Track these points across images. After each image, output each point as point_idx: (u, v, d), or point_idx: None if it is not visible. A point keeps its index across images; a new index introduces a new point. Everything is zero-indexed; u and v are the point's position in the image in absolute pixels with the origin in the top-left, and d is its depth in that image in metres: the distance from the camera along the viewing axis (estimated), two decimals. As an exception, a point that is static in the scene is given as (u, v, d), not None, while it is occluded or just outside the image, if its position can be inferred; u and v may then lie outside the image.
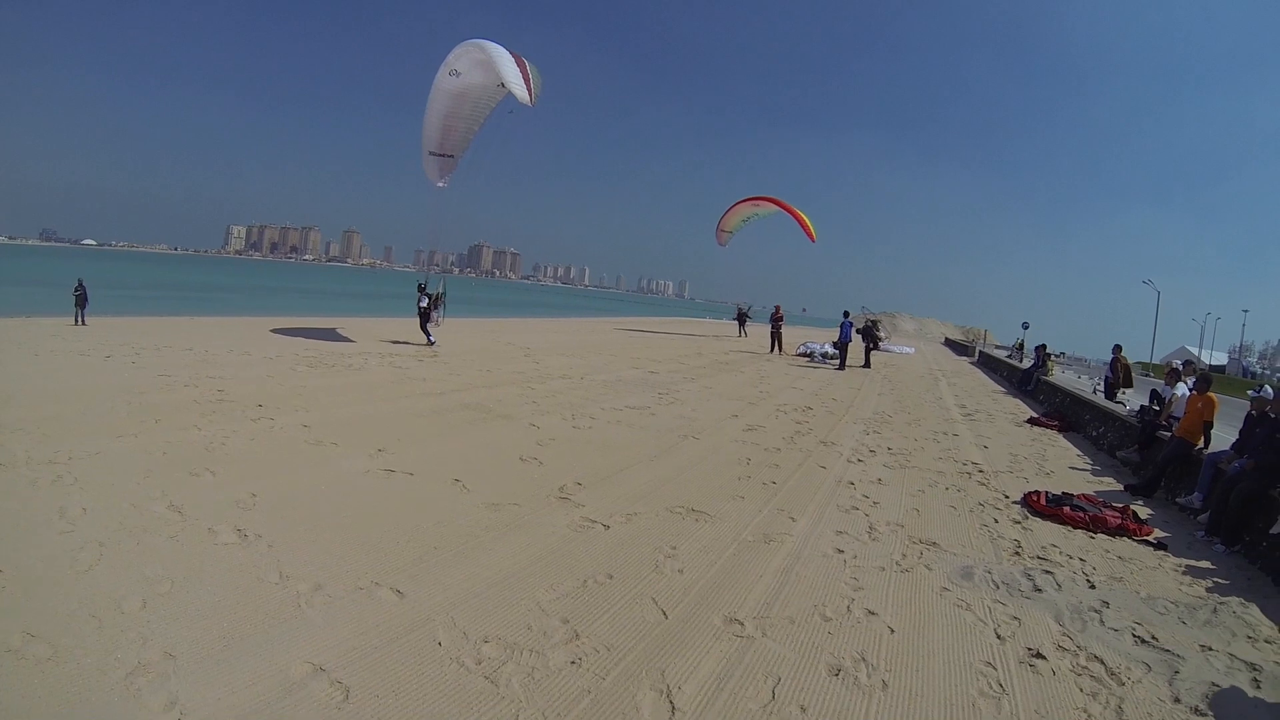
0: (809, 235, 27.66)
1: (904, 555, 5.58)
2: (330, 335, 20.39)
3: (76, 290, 19.51)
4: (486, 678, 3.41)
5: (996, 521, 6.80)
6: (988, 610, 4.64)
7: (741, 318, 35.38)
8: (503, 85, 14.65)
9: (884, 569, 5.21)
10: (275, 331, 20.30)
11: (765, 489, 7.22)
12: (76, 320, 19.29)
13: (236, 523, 5.19)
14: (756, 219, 29.66)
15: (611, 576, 4.75)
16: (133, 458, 6.65)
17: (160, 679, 3.22)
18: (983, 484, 8.28)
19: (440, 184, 17.31)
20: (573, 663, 3.57)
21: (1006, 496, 7.81)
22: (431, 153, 16.76)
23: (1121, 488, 8.82)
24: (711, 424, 10.73)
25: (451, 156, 16.91)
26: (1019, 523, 6.84)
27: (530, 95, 14.23)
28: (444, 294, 18.94)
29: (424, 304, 18.71)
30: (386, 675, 3.38)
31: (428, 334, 19.14)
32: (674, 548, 5.37)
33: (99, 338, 16.26)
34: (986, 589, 5.05)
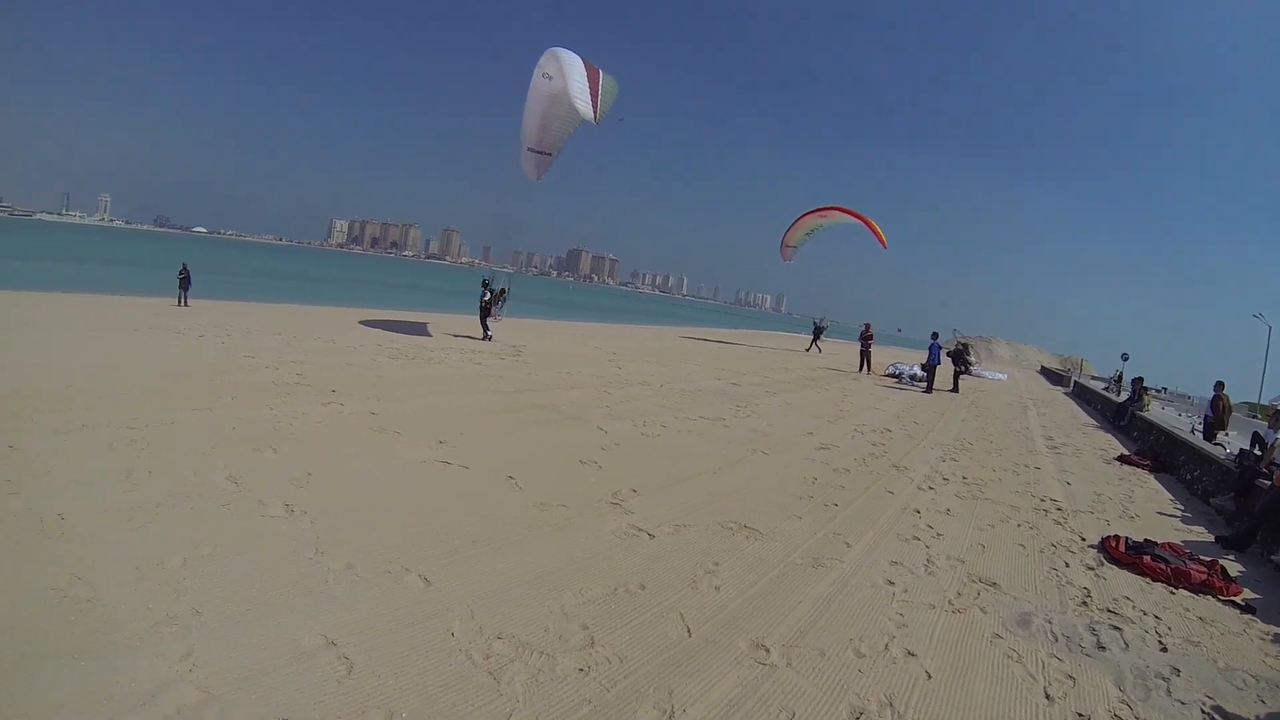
0: (880, 242, 28.09)
1: (959, 594, 5.48)
2: (417, 329, 21.81)
3: (180, 273, 22.17)
4: (490, 674, 3.61)
5: (1068, 566, 6.60)
6: (1041, 665, 4.47)
7: (817, 331, 35.98)
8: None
9: (934, 607, 5.14)
10: (363, 323, 21.98)
11: (825, 510, 7.29)
12: (179, 301, 21.87)
13: (287, 498, 5.74)
14: (823, 230, 30.39)
15: (644, 587, 4.88)
16: (204, 430, 7.44)
17: (182, 632, 3.65)
18: (1059, 523, 8.10)
19: (536, 178, 18.78)
20: (580, 670, 3.72)
21: (1083, 539, 7.56)
22: (530, 149, 18.15)
23: (1212, 539, 8.40)
24: (784, 440, 10.86)
25: (549, 154, 18.29)
26: (1092, 569, 6.61)
27: (595, 112, 15.32)
28: (506, 292, 21.00)
29: (486, 299, 20.63)
30: (393, 657, 3.65)
31: (485, 328, 20.71)
32: (716, 564, 5.45)
33: (197, 319, 18.20)
34: (1044, 640, 4.88)
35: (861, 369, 27.19)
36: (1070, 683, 4.32)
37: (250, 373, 11.08)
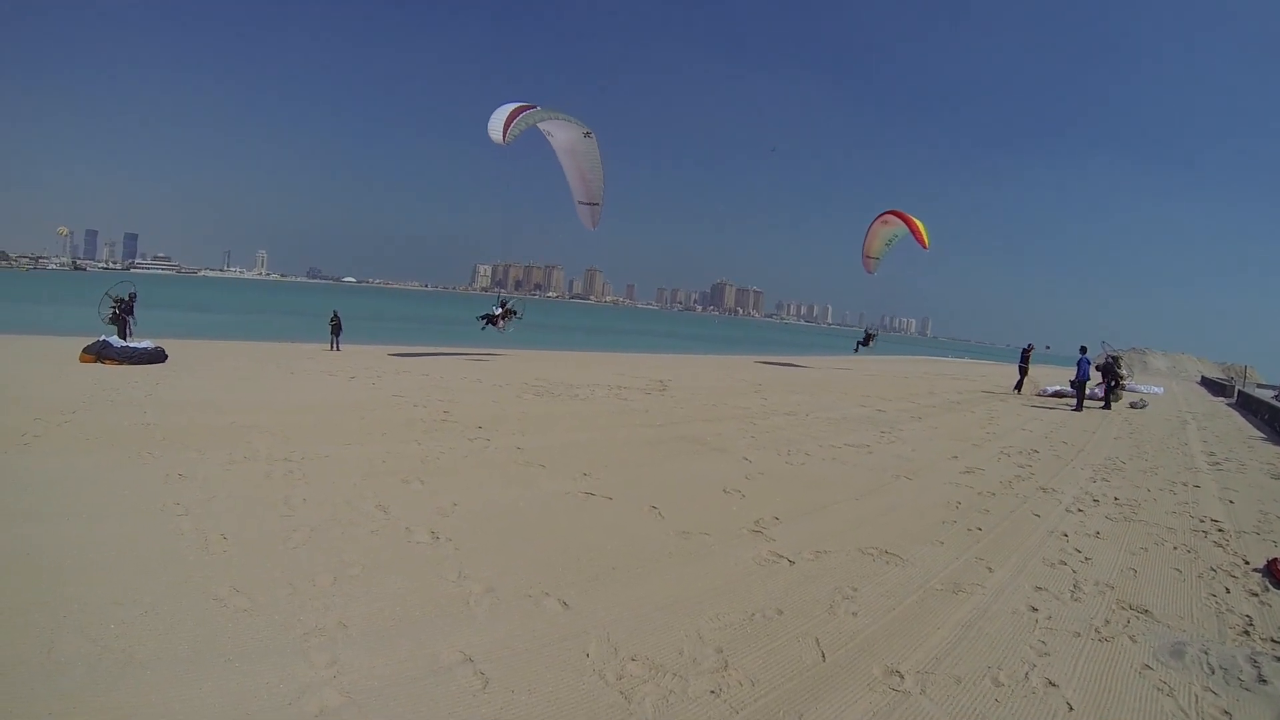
0: (921, 242, 28.64)
1: (1107, 621, 5.26)
2: (560, 366, 23.16)
3: (332, 320, 24.83)
4: (622, 693, 3.78)
5: (1229, 591, 6.12)
6: (1194, 699, 4.21)
7: (867, 338, 36.44)
8: (589, 134, 19.82)
9: (1079, 635, 4.97)
10: (509, 362, 23.62)
11: (968, 535, 7.27)
12: (332, 346, 24.36)
13: (433, 526, 6.24)
14: (898, 240, 30.89)
15: (781, 612, 5.00)
16: (355, 463, 8.21)
17: (329, 642, 4.06)
18: (1219, 545, 7.59)
19: (592, 228, 21.85)
20: (712, 692, 3.84)
21: (1247, 562, 6.98)
22: (580, 202, 21.18)
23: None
24: (928, 464, 10.85)
25: (596, 204, 21.24)
26: (1256, 595, 6.08)
27: (503, 135, 18.64)
28: (514, 310, 24.86)
29: (496, 311, 24.27)
30: (528, 675, 3.88)
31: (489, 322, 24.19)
32: (855, 589, 5.53)
33: (348, 362, 20.05)
34: (1199, 672, 4.53)
35: (1018, 389, 27.32)
36: (1226, 719, 4.01)
37: (399, 410, 12.10)
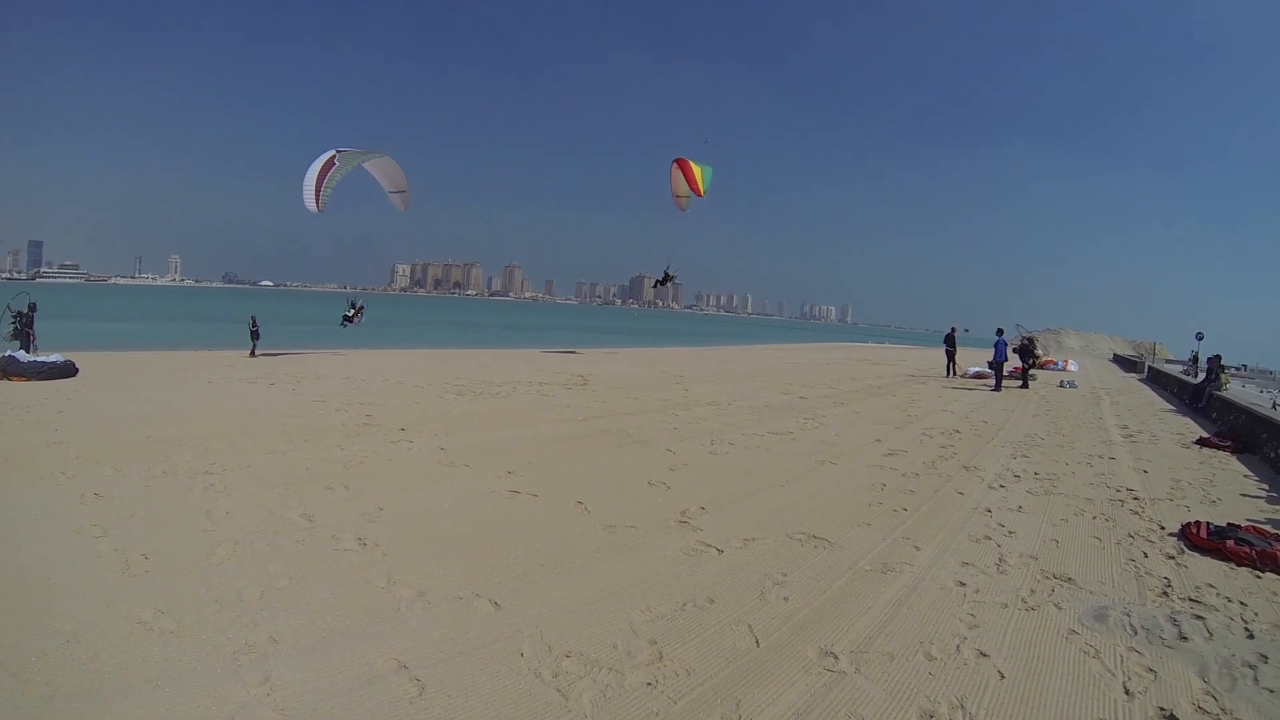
0: (695, 190, 27.15)
1: (1032, 591, 5.42)
2: (481, 365, 22.81)
3: (251, 326, 24.02)
4: (559, 690, 3.74)
5: (1146, 556, 6.44)
6: (1119, 659, 4.38)
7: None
8: (384, 155, 22.24)
9: (1007, 605, 5.12)
10: (429, 362, 23.16)
11: (894, 516, 7.36)
12: (251, 353, 23.33)
13: (359, 532, 6.05)
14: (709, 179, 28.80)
15: (713, 601, 5.01)
16: (278, 472, 7.89)
17: (260, 659, 3.89)
18: (1136, 513, 7.96)
19: (405, 210, 23.93)
20: (649, 684, 3.83)
21: (1162, 528, 7.37)
22: (391, 192, 23.30)
23: (1301, 517, 7.94)
24: (852, 449, 11.02)
25: (404, 191, 23.43)
26: (1173, 558, 6.43)
27: (317, 205, 20.48)
28: (363, 307, 26.17)
29: (349, 311, 25.43)
30: (463, 678, 3.81)
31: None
32: (785, 575, 5.57)
33: (267, 368, 19.26)
34: (1122, 634, 4.75)
35: (950, 374, 27.46)
36: (1151, 676, 4.20)
37: (321, 415, 11.71)
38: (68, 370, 15.71)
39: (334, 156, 20.42)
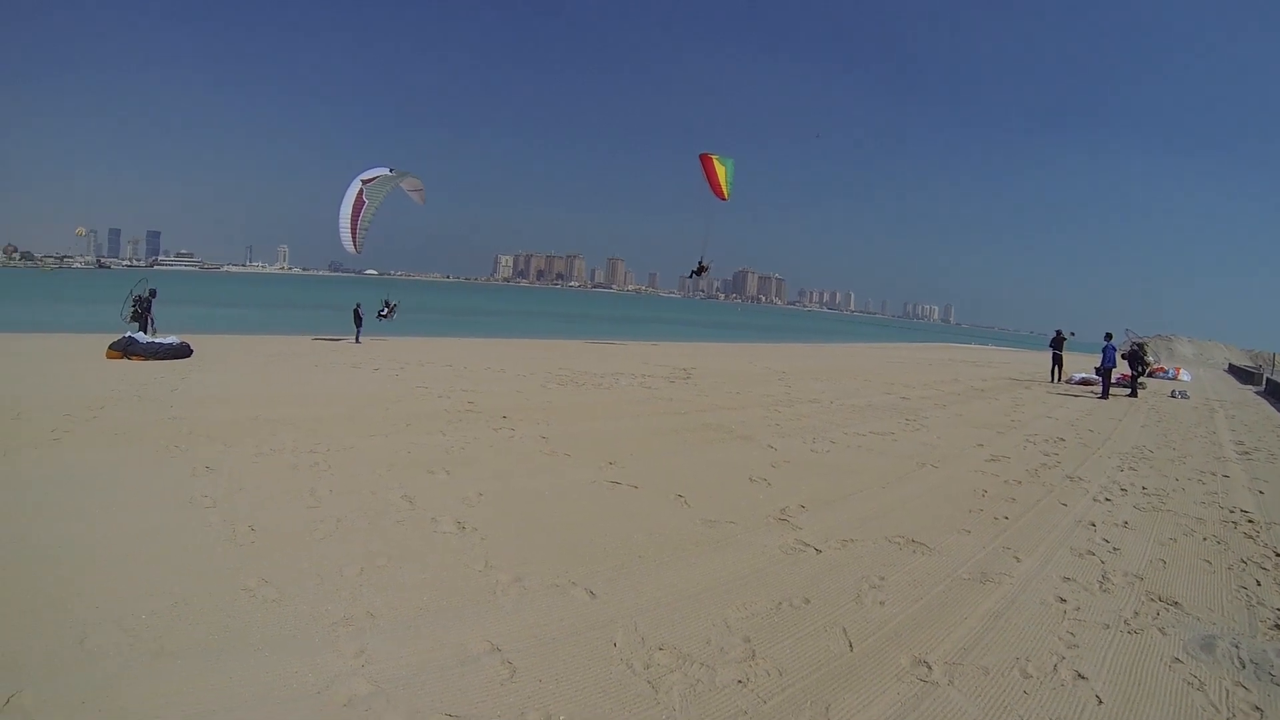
0: (718, 193, 27.02)
1: (1136, 613, 5.22)
2: (584, 356, 23.50)
3: (389, 309, 26.36)
4: (649, 683, 3.81)
5: (1259, 584, 6.02)
6: (1224, 694, 4.16)
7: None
8: (401, 173, 23.46)
9: (1108, 626, 4.96)
10: (532, 352, 23.90)
11: (995, 524, 7.28)
12: (355, 339, 24.80)
13: (459, 516, 6.32)
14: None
15: (808, 601, 5.04)
16: (381, 454, 8.32)
17: (358, 632, 4.13)
18: (1250, 537, 7.47)
19: (422, 203, 25.52)
20: (739, 681, 3.87)
21: (1277, 554, 6.89)
22: (411, 190, 24.54)
23: None
24: (953, 452, 10.90)
25: (420, 190, 24.78)
26: None
27: (355, 247, 22.77)
28: (397, 305, 27.14)
29: (383, 311, 26.66)
30: (555, 664, 3.93)
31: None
32: (882, 578, 5.56)
33: (372, 353, 20.32)
34: (1229, 666, 4.47)
35: (1055, 379, 26.83)
36: (1257, 715, 3.95)
37: (423, 402, 12.27)
38: (183, 351, 17.02)
39: (361, 192, 21.80)
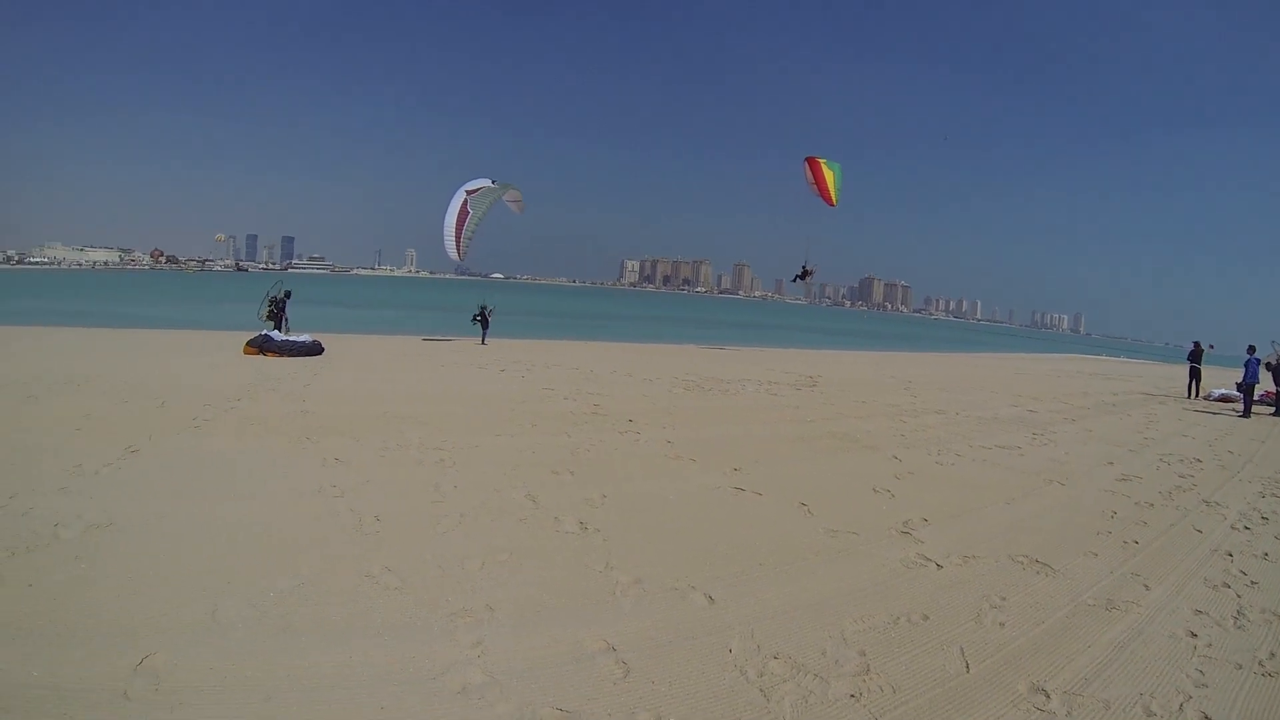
0: (826, 199, 27.11)
1: (1272, 654, 4.83)
2: (710, 361, 23.74)
3: (482, 314, 26.94)
4: (762, 691, 3.83)
5: None
6: None
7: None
8: (502, 184, 25.00)
9: (1241, 667, 4.65)
10: (658, 357, 24.34)
11: (1124, 548, 6.98)
12: (481, 340, 26.02)
13: (581, 516, 6.52)
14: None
15: (927, 617, 4.96)
16: (505, 454, 8.65)
17: (476, 623, 4.33)
18: None
19: (520, 212, 27.02)
20: (852, 696, 3.86)
21: None
22: (511, 201, 26.00)
23: None
24: (1082, 469, 10.47)
25: (520, 200, 26.30)
26: None
27: (459, 254, 24.31)
28: (493, 310, 27.64)
29: (476, 315, 27.29)
30: (669, 667, 4.01)
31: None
32: (1003, 598, 5.42)
33: (497, 355, 21.13)
34: None
35: (1192, 394, 25.25)
36: None
37: (549, 403, 12.66)
38: (315, 349, 18.20)
39: (466, 202, 23.16)
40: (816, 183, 27.26)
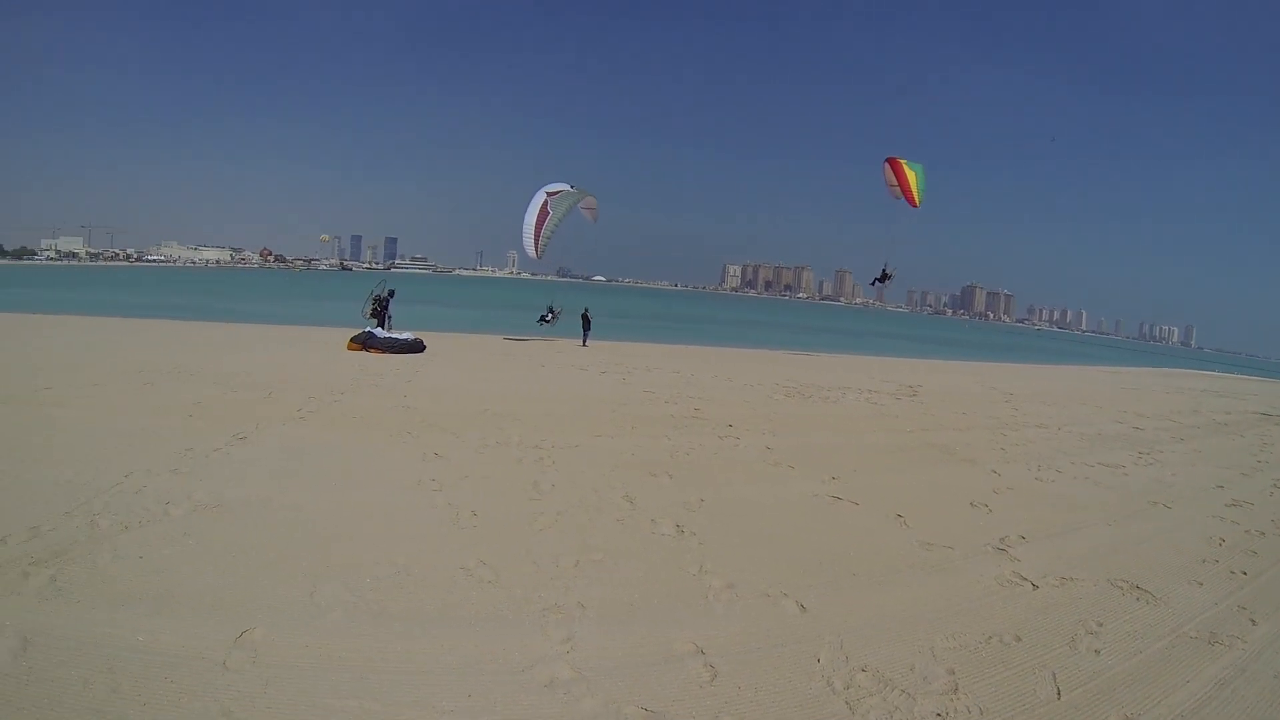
0: (910, 200, 27.17)
1: None
2: (811, 368, 23.57)
3: (551, 314, 27.97)
4: (847, 703, 3.85)
5: None
6: None
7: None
8: (581, 192, 25.70)
9: None
10: (759, 362, 24.35)
11: (1231, 578, 6.66)
12: (583, 342, 26.67)
13: (678, 519, 6.61)
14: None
15: (1019, 639, 4.85)
16: (604, 455, 8.82)
17: (567, 620, 4.47)
18: None
19: (594, 221, 28.00)
20: (938, 715, 3.85)
21: None
22: (585, 208, 26.92)
23: None
24: (1189, 492, 9.99)
25: (594, 208, 27.41)
26: None
27: (537, 252, 25.00)
28: (560, 312, 28.42)
29: (547, 316, 28.28)
30: (756, 673, 4.06)
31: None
32: (1099, 624, 5.24)
33: (598, 357, 21.51)
34: None
35: None
36: None
37: (649, 406, 12.82)
38: (417, 347, 18.89)
39: (546, 203, 23.92)
40: (899, 184, 27.20)
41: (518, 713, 3.58)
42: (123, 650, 3.81)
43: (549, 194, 24.36)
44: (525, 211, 24.36)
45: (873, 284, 32.59)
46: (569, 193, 24.86)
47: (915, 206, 27.33)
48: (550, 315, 28.55)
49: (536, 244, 24.32)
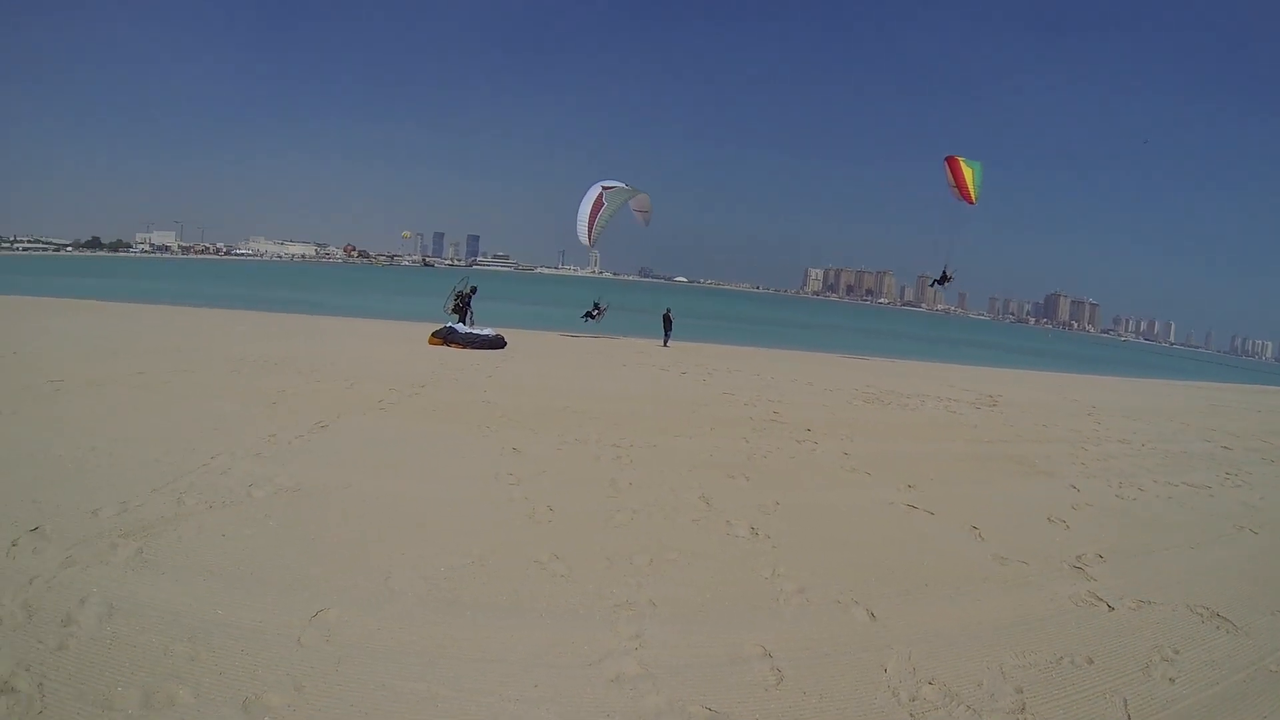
0: (966, 197, 26.87)
1: None
2: (891, 375, 23.43)
3: (597, 310, 28.55)
4: (911, 715, 3.84)
5: None
6: None
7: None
8: (636, 192, 27.24)
9: None
10: (839, 368, 24.22)
11: None
12: (664, 342, 26.87)
13: (753, 521, 6.67)
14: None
15: (1091, 661, 4.74)
16: (682, 455, 8.93)
17: (637, 617, 4.57)
18: None
19: (645, 225, 29.27)
20: None
21: None
22: (638, 210, 28.34)
23: None
24: (1278, 518, 9.47)
25: (648, 211, 28.72)
26: None
27: (589, 240, 25.89)
28: (606, 308, 29.45)
29: (594, 311, 29.05)
30: (822, 679, 4.09)
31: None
32: (1176, 651, 5.05)
33: (679, 358, 21.64)
34: None
35: None
36: None
37: (729, 408, 12.89)
38: (497, 343, 19.32)
39: (601, 195, 25.58)
40: (956, 182, 27.00)
41: (583, 705, 3.68)
42: (203, 622, 4.07)
43: (605, 188, 25.63)
44: (580, 202, 25.61)
45: (932, 285, 32.19)
46: (622, 189, 26.16)
47: (972, 204, 27.08)
48: (596, 311, 29.08)
49: (590, 231, 25.47)
